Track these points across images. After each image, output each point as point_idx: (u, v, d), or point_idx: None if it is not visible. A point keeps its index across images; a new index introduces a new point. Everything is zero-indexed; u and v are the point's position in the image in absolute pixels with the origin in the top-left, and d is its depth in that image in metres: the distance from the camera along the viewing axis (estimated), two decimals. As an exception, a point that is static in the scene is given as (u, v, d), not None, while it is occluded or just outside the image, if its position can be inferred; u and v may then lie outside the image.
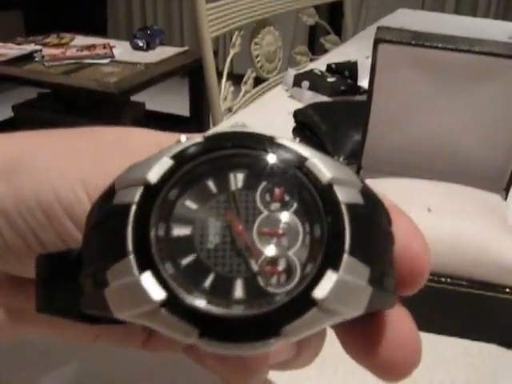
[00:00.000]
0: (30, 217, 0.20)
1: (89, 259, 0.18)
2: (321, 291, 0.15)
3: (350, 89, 0.89)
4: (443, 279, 0.42)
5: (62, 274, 0.19)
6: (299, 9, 1.38)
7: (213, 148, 0.17)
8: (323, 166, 0.17)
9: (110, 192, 0.17)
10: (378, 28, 0.48)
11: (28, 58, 2.17)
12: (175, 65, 2.25)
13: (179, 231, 0.17)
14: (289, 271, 0.16)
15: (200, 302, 0.16)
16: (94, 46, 2.30)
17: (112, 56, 2.23)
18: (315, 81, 0.90)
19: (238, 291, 0.16)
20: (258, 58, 1.20)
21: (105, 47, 2.28)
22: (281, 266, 0.16)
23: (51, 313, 0.20)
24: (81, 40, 2.42)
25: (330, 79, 0.90)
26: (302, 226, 0.17)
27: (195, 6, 0.95)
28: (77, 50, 2.25)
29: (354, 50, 1.20)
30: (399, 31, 0.48)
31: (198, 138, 0.18)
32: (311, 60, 1.40)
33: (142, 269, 0.16)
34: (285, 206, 0.17)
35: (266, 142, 0.17)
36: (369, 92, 0.50)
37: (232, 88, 1.13)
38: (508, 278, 0.41)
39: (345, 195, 0.17)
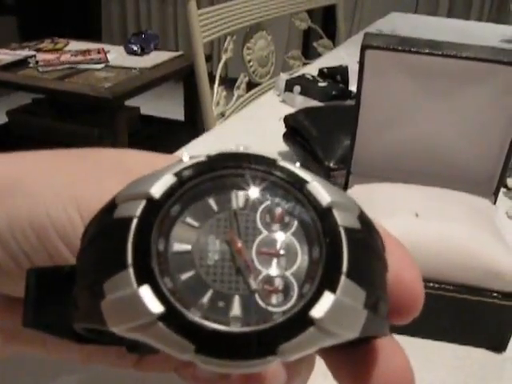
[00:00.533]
0: (22, 238, 0.20)
1: (85, 272, 0.18)
2: (318, 311, 0.16)
3: (342, 93, 0.90)
4: (431, 284, 0.42)
5: (52, 289, 0.19)
6: (292, 13, 1.39)
7: (216, 167, 0.18)
8: (323, 190, 0.17)
9: (111, 206, 0.18)
10: (366, 34, 0.49)
11: (22, 63, 2.17)
12: (170, 69, 2.25)
13: (179, 247, 0.17)
14: (286, 291, 0.17)
15: (197, 318, 0.16)
16: (88, 51, 2.30)
17: (106, 61, 2.23)
18: (307, 85, 0.90)
19: (236, 308, 0.16)
20: (251, 63, 1.20)
21: (99, 52, 2.29)
22: (279, 286, 0.17)
23: (38, 328, 0.20)
24: (75, 45, 2.42)
25: (322, 84, 0.91)
26: (300, 247, 0.17)
27: (187, 11, 0.95)
28: (71, 55, 2.25)
29: (347, 54, 1.20)
30: (386, 37, 0.49)
31: (201, 157, 0.18)
32: (304, 64, 1.41)
33: (140, 282, 0.16)
34: (284, 226, 0.17)
35: (268, 164, 0.18)
36: (357, 98, 0.50)
37: (225, 93, 1.13)
38: (495, 283, 0.42)
39: (343, 219, 0.17)
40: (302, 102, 0.87)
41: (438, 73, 0.49)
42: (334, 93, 0.89)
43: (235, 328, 0.16)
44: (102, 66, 2.22)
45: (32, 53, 2.25)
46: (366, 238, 0.18)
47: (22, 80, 2.07)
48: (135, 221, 0.16)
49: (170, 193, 0.17)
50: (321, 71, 0.97)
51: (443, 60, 0.48)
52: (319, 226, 0.17)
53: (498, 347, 0.44)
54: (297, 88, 0.90)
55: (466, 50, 0.49)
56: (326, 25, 1.92)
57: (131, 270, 0.16)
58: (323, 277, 0.16)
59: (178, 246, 0.17)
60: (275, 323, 0.16)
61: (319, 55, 1.42)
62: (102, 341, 0.20)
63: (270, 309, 0.16)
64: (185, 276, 0.16)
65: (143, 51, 2.31)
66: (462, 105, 0.51)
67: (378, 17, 1.69)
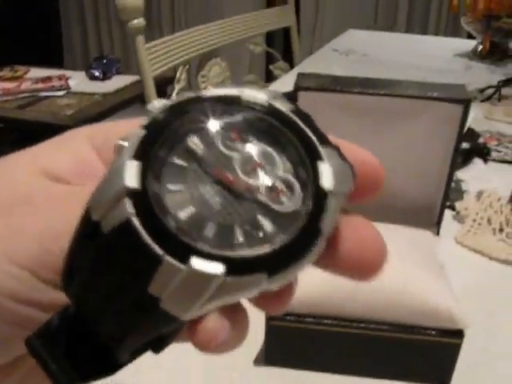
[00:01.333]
0: None
1: (109, 300, 0.17)
2: (326, 181, 0.17)
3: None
4: (370, 325, 0.42)
5: (73, 340, 0.18)
6: (246, 38, 1.39)
7: (166, 126, 0.18)
8: (257, 93, 0.18)
9: (89, 228, 0.17)
10: (298, 74, 0.49)
11: (-19, 93, 2.13)
12: (133, 93, 2.24)
13: (185, 213, 0.17)
14: (289, 186, 0.17)
15: (258, 250, 0.16)
16: (49, 78, 2.27)
17: (68, 87, 2.21)
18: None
19: (239, 235, 0.17)
20: (206, 90, 1.19)
21: (60, 79, 2.26)
22: (281, 186, 0.17)
23: (86, 381, 0.19)
24: (36, 72, 2.39)
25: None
26: (272, 149, 0.18)
27: (135, 45, 0.95)
28: (32, 83, 2.22)
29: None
30: (319, 77, 0.49)
31: (139, 122, 0.18)
32: (262, 87, 1.41)
33: (184, 260, 0.16)
34: (246, 141, 0.18)
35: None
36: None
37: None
38: (432, 320, 0.42)
39: (285, 107, 0.18)
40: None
41: (373, 110, 0.49)
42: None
43: (281, 242, 0.16)
44: (64, 92, 2.19)
45: (-9, 82, 2.21)
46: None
47: (-19, 110, 2.04)
48: (134, 219, 0.16)
49: (143, 174, 0.16)
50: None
51: (375, 98, 0.48)
52: (270, 120, 0.18)
53: (443, 382, 0.44)
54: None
55: (398, 87, 0.49)
56: (286, 46, 1.93)
57: (169, 258, 0.16)
58: (309, 156, 0.17)
59: (183, 213, 0.17)
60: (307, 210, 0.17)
61: (276, 78, 1.43)
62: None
63: (290, 207, 0.17)
64: (209, 231, 0.17)
65: (105, 76, 2.29)
66: (399, 139, 0.51)
67: (339, 32, 1.72)
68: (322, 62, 1.32)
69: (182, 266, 0.16)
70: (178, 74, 1.12)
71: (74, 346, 0.18)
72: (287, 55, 1.67)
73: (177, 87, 1.11)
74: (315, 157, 0.17)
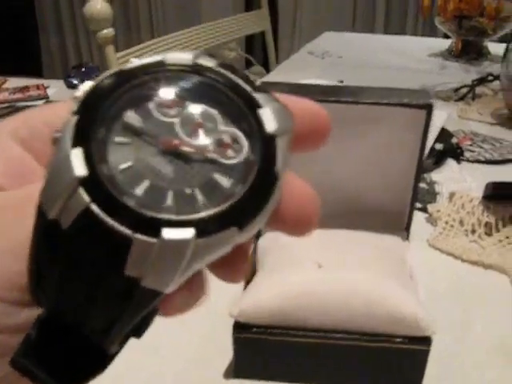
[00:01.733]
0: None
1: (87, 298, 0.17)
2: (269, 125, 0.17)
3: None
4: (339, 335, 0.42)
5: (57, 345, 0.18)
6: (220, 44, 1.39)
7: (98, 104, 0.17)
8: (180, 54, 0.18)
9: (47, 228, 0.16)
10: (262, 83, 0.49)
11: (-42, 105, 2.11)
12: (112, 101, 2.23)
13: (141, 188, 0.17)
14: (234, 138, 0.17)
15: (222, 206, 0.16)
16: (27, 88, 2.25)
17: (46, 97, 2.19)
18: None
19: (169, 200, 0.17)
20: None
21: (38, 88, 2.24)
22: (227, 140, 0.17)
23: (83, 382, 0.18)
24: (14, 82, 2.36)
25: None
26: (209, 106, 0.18)
27: (105, 55, 0.94)
28: (9, 93, 2.19)
29: (279, 80, 1.21)
30: (281, 85, 0.49)
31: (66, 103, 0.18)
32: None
33: (154, 234, 0.16)
34: (182, 104, 0.18)
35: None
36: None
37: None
38: (400, 328, 0.42)
39: (211, 62, 0.18)
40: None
41: (337, 117, 0.49)
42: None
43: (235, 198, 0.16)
44: (42, 102, 2.17)
45: (-32, 93, 2.19)
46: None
47: (-42, 122, 2.01)
48: (93, 205, 0.16)
49: (90, 158, 0.16)
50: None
51: (338, 105, 0.48)
52: (199, 78, 0.18)
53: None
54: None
55: (362, 93, 0.49)
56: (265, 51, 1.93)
57: (138, 236, 0.15)
58: (246, 105, 0.18)
59: (138, 190, 0.17)
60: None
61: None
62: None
63: (240, 158, 0.17)
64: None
65: (84, 84, 2.28)
66: (365, 145, 0.51)
67: (317, 34, 1.72)
68: (298, 65, 1.32)
69: (154, 240, 0.15)
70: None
71: (60, 352, 0.18)
72: (267, 59, 1.67)
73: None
74: (253, 105, 0.18)
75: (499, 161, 0.86)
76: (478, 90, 1.16)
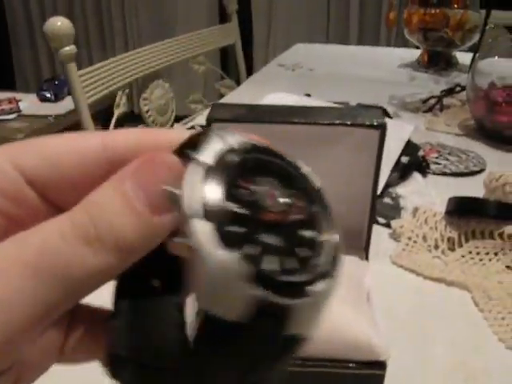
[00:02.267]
0: None
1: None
2: (316, 180, 0.21)
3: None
4: (291, 361, 0.41)
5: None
6: (189, 57, 1.38)
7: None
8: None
9: (210, 326, 0.17)
10: (213, 105, 0.48)
11: None
12: (86, 113, 2.21)
13: (271, 263, 0.17)
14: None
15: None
16: (-1, 102, 2.23)
17: (18, 110, 2.17)
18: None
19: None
20: (149, 113, 1.18)
21: (10, 102, 2.22)
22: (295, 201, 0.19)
23: None
24: (-14, 96, 2.34)
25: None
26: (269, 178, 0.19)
27: (67, 73, 0.93)
28: (-19, 108, 2.17)
29: (249, 94, 1.21)
30: (233, 107, 0.48)
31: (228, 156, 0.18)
32: (207, 106, 1.41)
33: (304, 294, 0.17)
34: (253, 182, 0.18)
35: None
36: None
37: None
38: (353, 353, 0.41)
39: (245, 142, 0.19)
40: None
41: (290, 138, 0.49)
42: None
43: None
44: (15, 116, 2.15)
45: None
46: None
47: None
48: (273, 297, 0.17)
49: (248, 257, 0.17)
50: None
51: (292, 127, 0.48)
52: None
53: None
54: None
55: (318, 114, 0.49)
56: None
57: (297, 302, 0.17)
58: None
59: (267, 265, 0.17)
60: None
61: (221, 96, 1.42)
62: None
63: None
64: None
65: (57, 97, 2.26)
66: (322, 165, 0.51)
67: (292, 44, 1.72)
68: (268, 78, 1.32)
69: (310, 299, 0.17)
70: (117, 99, 1.10)
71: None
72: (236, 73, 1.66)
73: (116, 112, 1.10)
74: (296, 167, 0.20)
75: (465, 173, 0.87)
76: (446, 100, 1.17)
